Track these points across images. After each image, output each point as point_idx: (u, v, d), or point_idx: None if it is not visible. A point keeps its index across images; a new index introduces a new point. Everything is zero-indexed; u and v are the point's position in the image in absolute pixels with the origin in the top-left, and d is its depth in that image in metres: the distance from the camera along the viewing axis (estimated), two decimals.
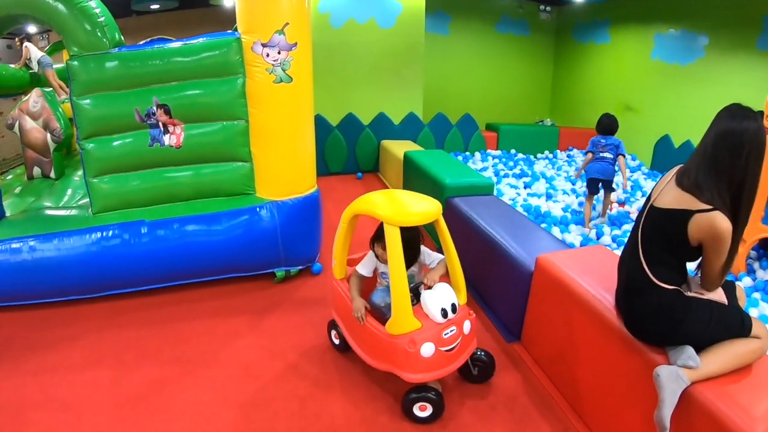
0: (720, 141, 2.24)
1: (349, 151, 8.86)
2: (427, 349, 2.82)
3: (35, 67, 7.68)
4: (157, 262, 4.17)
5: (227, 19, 4.22)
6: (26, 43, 7.81)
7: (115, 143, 4.24)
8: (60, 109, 6.15)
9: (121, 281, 4.19)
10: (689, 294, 2.43)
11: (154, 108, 4.16)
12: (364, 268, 3.31)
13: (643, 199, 2.69)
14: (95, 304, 4.18)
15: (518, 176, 8.43)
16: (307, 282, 4.64)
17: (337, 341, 3.59)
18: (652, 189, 2.56)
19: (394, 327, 2.86)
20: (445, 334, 2.88)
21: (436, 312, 2.89)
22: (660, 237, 2.40)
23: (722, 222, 2.18)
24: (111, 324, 3.94)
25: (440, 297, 2.94)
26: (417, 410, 2.92)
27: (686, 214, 2.25)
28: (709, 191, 2.22)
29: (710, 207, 2.19)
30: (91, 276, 4.10)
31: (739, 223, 2.25)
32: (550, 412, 3.09)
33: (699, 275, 2.47)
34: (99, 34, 4.02)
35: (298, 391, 3.20)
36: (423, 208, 2.99)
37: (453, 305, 2.95)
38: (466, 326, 3.03)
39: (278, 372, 3.39)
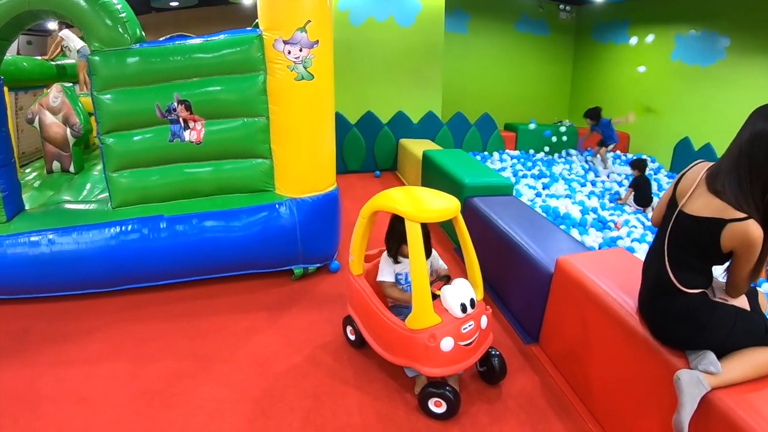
0: (756, 142, 2.16)
1: (367, 149, 8.88)
2: (447, 344, 2.84)
3: (74, 56, 7.74)
4: (175, 257, 4.19)
5: (247, 16, 4.24)
6: (63, 31, 7.86)
7: (136, 138, 4.25)
8: (80, 104, 6.20)
9: (139, 275, 4.22)
10: (714, 299, 2.40)
11: (175, 104, 4.16)
12: (387, 275, 3.32)
13: (663, 195, 2.63)
14: (113, 298, 4.20)
15: (537, 177, 8.41)
16: (325, 280, 4.65)
17: (352, 337, 3.60)
18: (675, 187, 2.50)
19: (415, 322, 2.88)
20: (464, 329, 2.91)
21: (455, 307, 2.91)
22: (689, 243, 2.35)
23: (756, 230, 2.13)
24: (129, 318, 3.96)
25: (459, 292, 2.96)
26: (432, 405, 2.94)
27: (719, 223, 2.19)
28: (743, 196, 2.16)
29: (744, 216, 2.13)
30: (109, 270, 4.13)
31: None
32: (566, 414, 3.07)
33: (725, 279, 2.44)
34: (120, 29, 4.02)
35: (315, 387, 3.21)
36: (443, 205, 3.02)
37: (472, 300, 2.98)
38: (483, 321, 3.06)
39: (295, 368, 3.39)
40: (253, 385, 3.21)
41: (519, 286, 4.02)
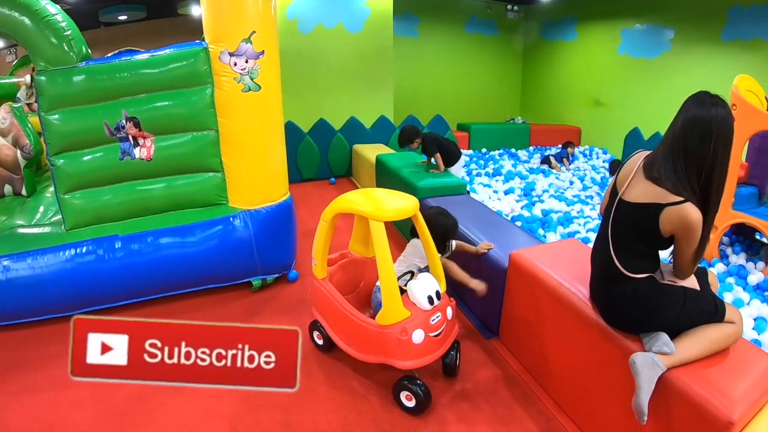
0: (689, 128, 2.25)
1: (321, 156, 8.84)
2: (418, 336, 2.93)
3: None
4: (133, 277, 4.13)
5: (197, 28, 4.22)
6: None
7: (86, 158, 4.21)
8: (29, 125, 6.09)
9: (97, 297, 4.14)
10: (662, 282, 2.47)
11: (124, 121, 4.13)
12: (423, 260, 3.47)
13: (608, 187, 2.72)
14: None
15: (491, 175, 8.53)
16: (285, 289, 4.63)
17: (320, 342, 3.63)
18: (616, 177, 2.59)
19: (386, 317, 2.95)
20: (433, 320, 3.01)
21: (423, 300, 3.01)
22: (631, 230, 2.43)
23: (693, 213, 2.20)
24: None
25: (425, 285, 3.07)
26: (404, 398, 3.02)
27: (657, 208, 2.27)
28: (679, 181, 2.24)
29: (681, 199, 2.21)
30: (67, 293, 4.04)
31: (709, 211, 2.28)
32: (532, 405, 3.13)
33: (672, 262, 2.51)
34: (66, 48, 3.97)
35: (282, 397, 3.18)
36: (402, 204, 3.14)
37: (437, 292, 3.09)
38: (449, 312, 3.17)
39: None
40: (220, 400, 3.18)
41: None
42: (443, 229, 3.62)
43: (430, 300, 3.03)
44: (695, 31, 8.66)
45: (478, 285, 3.48)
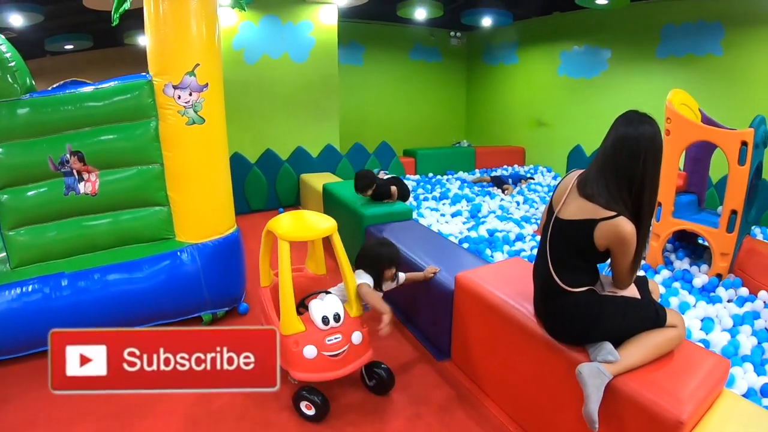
0: (618, 146, 2.37)
1: (269, 187, 8.79)
2: (310, 351, 3.09)
3: None
4: (81, 315, 3.99)
5: (144, 58, 4.21)
6: None
7: (30, 193, 4.14)
8: None
9: (45, 338, 4.01)
10: (603, 293, 2.55)
11: (68, 155, 4.09)
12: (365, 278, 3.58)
13: (545, 207, 2.82)
14: (22, 364, 3.98)
15: (438, 199, 8.60)
16: (236, 322, 4.56)
17: None
18: (552, 196, 2.68)
19: (284, 328, 3.11)
20: (329, 340, 3.14)
21: (317, 319, 3.15)
22: (568, 246, 2.51)
23: (626, 226, 2.30)
24: (41, 383, 3.72)
25: (324, 306, 3.21)
26: (303, 407, 3.17)
27: (591, 224, 2.37)
28: (611, 197, 2.35)
29: (613, 213, 2.31)
30: (14, 334, 3.91)
31: (642, 223, 2.38)
32: (487, 423, 3.18)
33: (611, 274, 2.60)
34: (10, 79, 3.92)
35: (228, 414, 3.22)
36: (315, 226, 3.42)
37: (336, 314, 3.20)
38: (356, 337, 3.25)
39: (217, 413, 3.34)
40: None
41: (425, 306, 4.13)
42: (387, 258, 3.64)
43: (325, 320, 3.16)
44: (631, 50, 9.04)
45: (386, 317, 3.26)
